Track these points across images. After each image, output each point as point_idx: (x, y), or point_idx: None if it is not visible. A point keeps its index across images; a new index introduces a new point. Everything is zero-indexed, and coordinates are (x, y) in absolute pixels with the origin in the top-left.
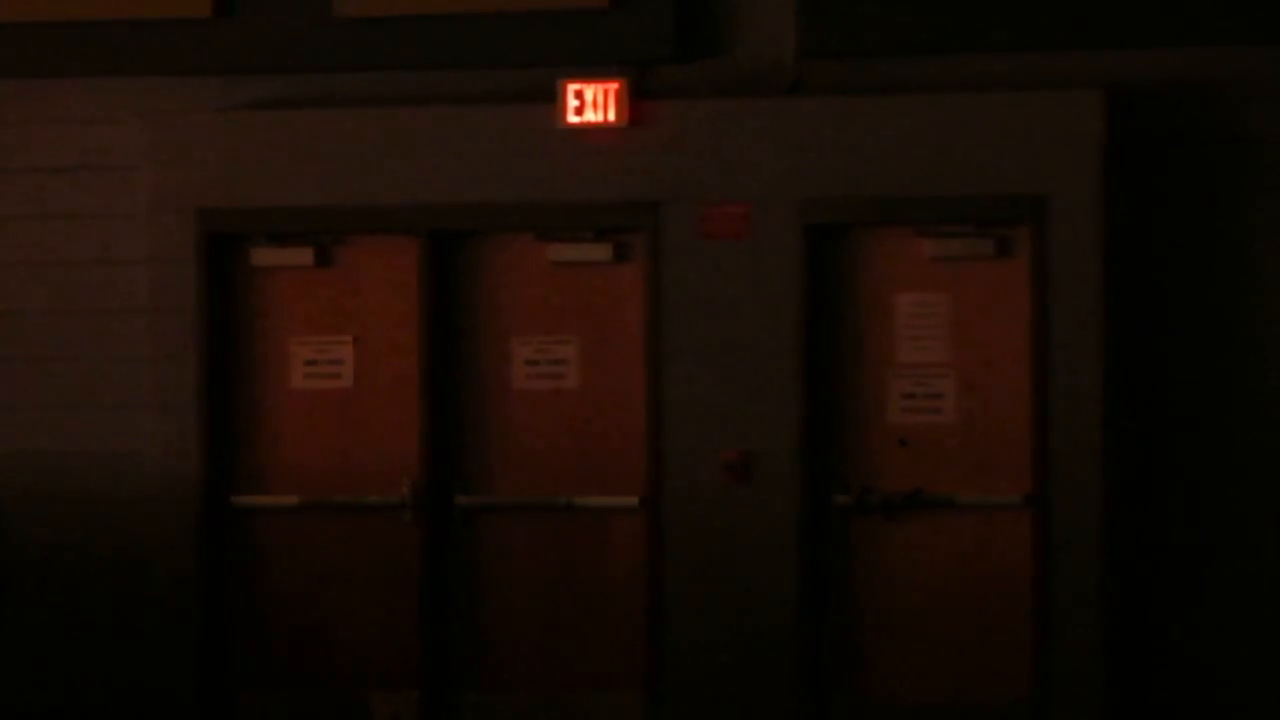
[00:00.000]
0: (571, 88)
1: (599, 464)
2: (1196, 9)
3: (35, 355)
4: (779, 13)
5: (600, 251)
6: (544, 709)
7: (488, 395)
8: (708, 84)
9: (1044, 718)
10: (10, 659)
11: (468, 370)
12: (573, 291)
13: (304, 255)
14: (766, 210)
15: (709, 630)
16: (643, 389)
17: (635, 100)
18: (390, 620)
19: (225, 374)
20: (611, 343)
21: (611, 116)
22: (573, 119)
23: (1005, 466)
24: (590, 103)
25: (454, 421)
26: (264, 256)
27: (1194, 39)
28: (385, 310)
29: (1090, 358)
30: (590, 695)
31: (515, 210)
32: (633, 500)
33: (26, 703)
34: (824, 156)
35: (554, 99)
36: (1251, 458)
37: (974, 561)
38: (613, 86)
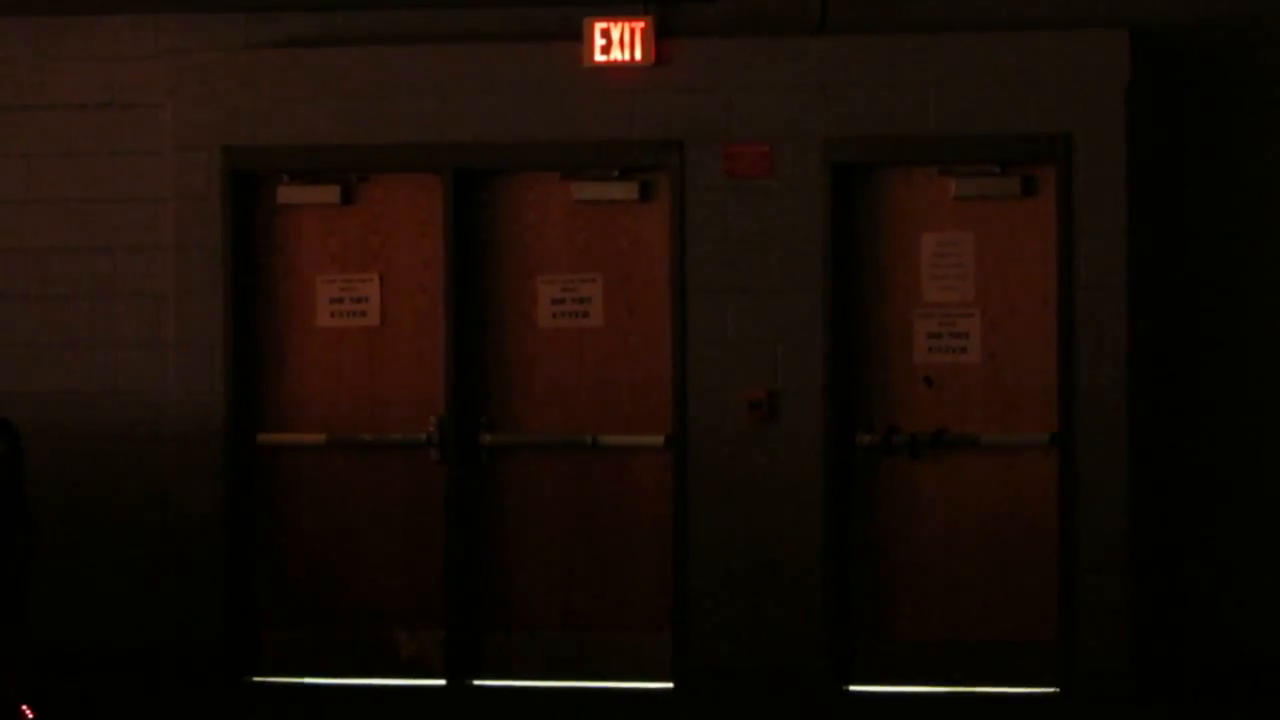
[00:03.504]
0: (598, 26)
1: (624, 403)
2: None
3: (60, 293)
4: None
5: (625, 190)
6: (569, 648)
7: (513, 334)
8: (733, 23)
9: (1070, 656)
10: (36, 598)
11: (493, 309)
12: (597, 230)
13: (329, 193)
14: (792, 149)
15: (734, 570)
16: (668, 328)
17: (661, 39)
18: (415, 559)
19: (250, 312)
20: (636, 281)
21: (638, 55)
22: (599, 57)
23: (1030, 406)
24: (616, 41)
25: (479, 360)
26: (289, 194)
27: None
28: (410, 248)
29: (1115, 296)
30: (615, 635)
31: (540, 148)
32: (658, 439)
33: (53, 641)
34: (849, 95)
35: (580, 37)
36: (1277, 387)
37: (999, 501)
38: (639, 25)
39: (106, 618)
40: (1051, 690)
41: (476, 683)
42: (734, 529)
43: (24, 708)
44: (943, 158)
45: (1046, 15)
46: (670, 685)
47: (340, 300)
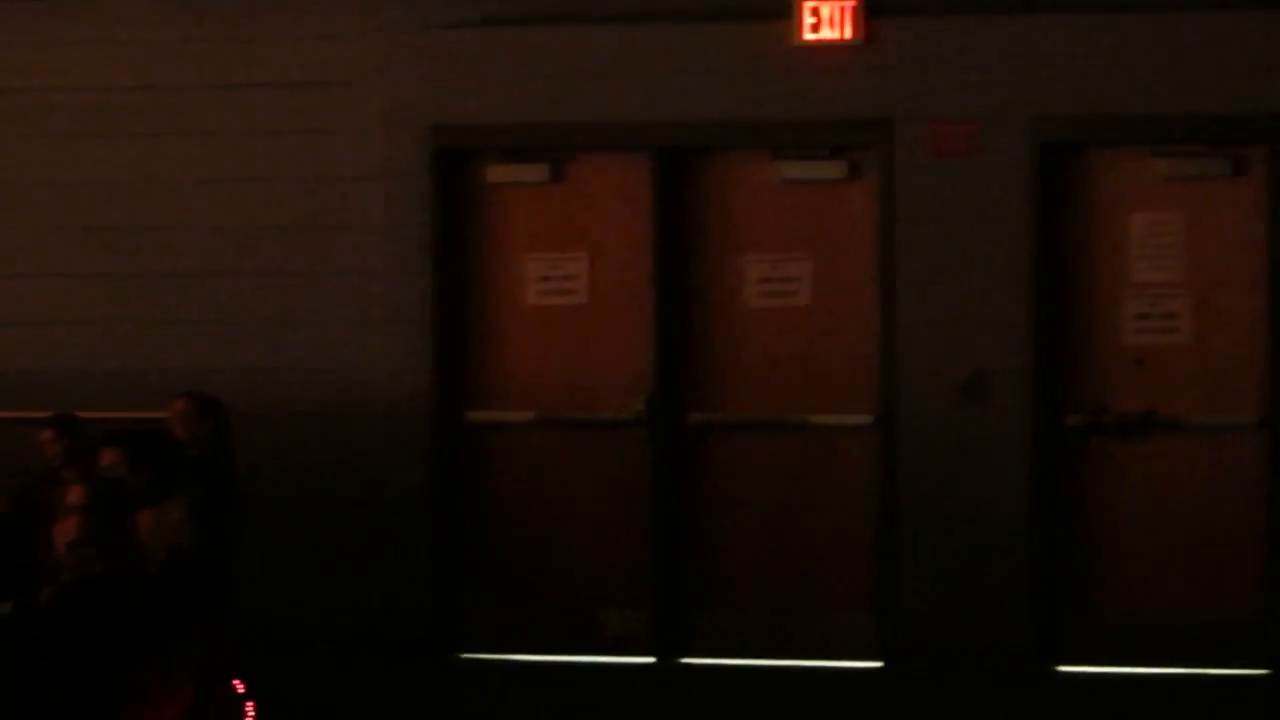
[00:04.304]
0: (808, 4)
1: (831, 382)
2: None
3: (267, 272)
4: None
5: (833, 169)
6: (776, 627)
7: (720, 313)
8: (942, 1)
9: (1275, 639)
10: (245, 576)
11: (700, 288)
12: (805, 209)
13: (539, 172)
14: (1000, 128)
15: (940, 550)
16: (875, 307)
17: (870, 17)
18: (622, 537)
19: (458, 290)
20: (844, 260)
21: (847, 33)
22: (808, 36)
23: (1240, 388)
24: (826, 19)
25: (687, 339)
26: (498, 173)
27: None
28: (618, 227)
29: None
30: (821, 614)
31: (748, 127)
32: (866, 418)
33: (262, 618)
34: (1057, 74)
35: (789, 15)
36: None
37: (1208, 482)
38: (849, 3)
39: (314, 595)
40: (1261, 672)
41: (684, 661)
42: (941, 509)
43: (235, 682)
44: (1152, 137)
45: None
46: (878, 664)
47: (548, 279)
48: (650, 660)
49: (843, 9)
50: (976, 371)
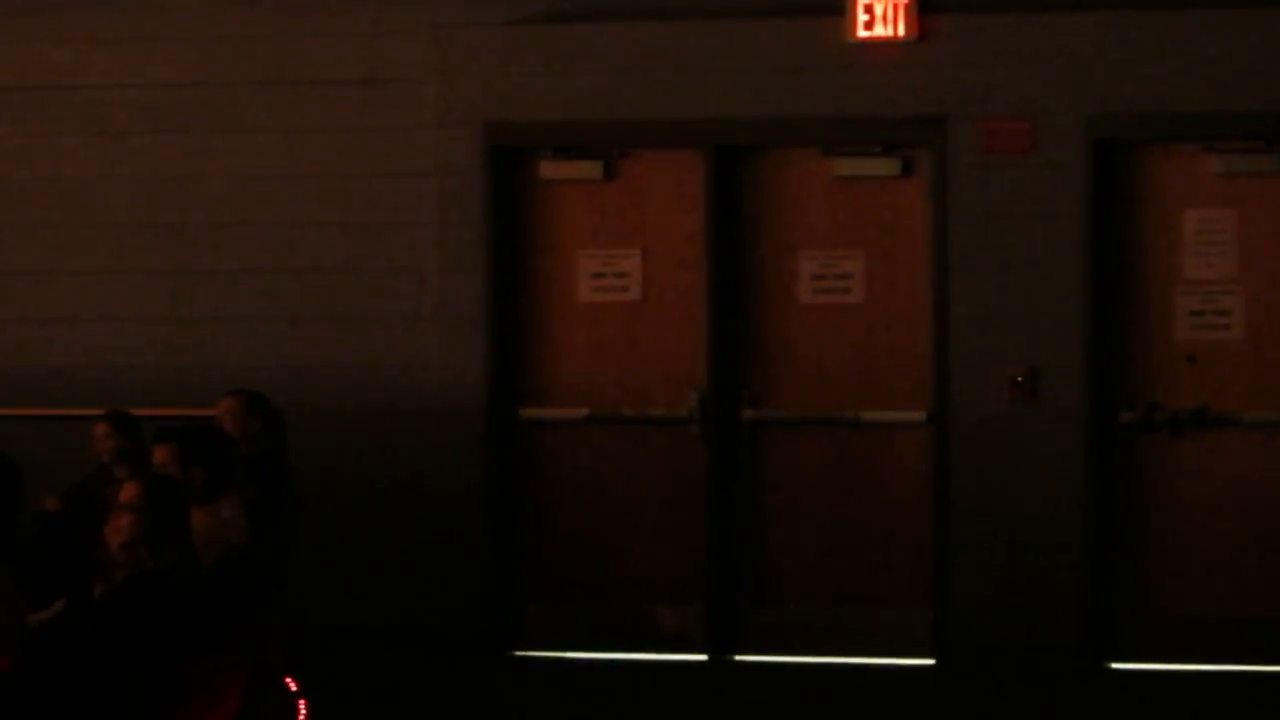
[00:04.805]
0: (861, 1)
1: (885, 379)
2: None
3: (321, 268)
4: None
5: (887, 166)
6: (829, 624)
7: (774, 309)
8: None
9: None
10: (300, 574)
11: (753, 284)
12: (858, 206)
13: (592, 169)
14: (1053, 125)
15: (994, 547)
16: (928, 304)
17: (923, 14)
18: (676, 533)
19: (511, 287)
20: (897, 257)
21: (900, 30)
22: (861, 33)
23: None
24: (879, 16)
25: (740, 335)
26: (551, 169)
27: None
28: (672, 223)
29: None
30: (874, 611)
31: (802, 124)
32: (919, 415)
33: (316, 615)
34: (1110, 71)
35: (842, 12)
36: None
37: (1262, 479)
38: (903, 1)
39: (369, 592)
40: None
41: (738, 658)
42: (995, 505)
43: (288, 680)
44: (1205, 134)
45: None
46: (931, 661)
47: (601, 275)
48: (704, 658)
49: (896, 5)
50: (1030, 368)
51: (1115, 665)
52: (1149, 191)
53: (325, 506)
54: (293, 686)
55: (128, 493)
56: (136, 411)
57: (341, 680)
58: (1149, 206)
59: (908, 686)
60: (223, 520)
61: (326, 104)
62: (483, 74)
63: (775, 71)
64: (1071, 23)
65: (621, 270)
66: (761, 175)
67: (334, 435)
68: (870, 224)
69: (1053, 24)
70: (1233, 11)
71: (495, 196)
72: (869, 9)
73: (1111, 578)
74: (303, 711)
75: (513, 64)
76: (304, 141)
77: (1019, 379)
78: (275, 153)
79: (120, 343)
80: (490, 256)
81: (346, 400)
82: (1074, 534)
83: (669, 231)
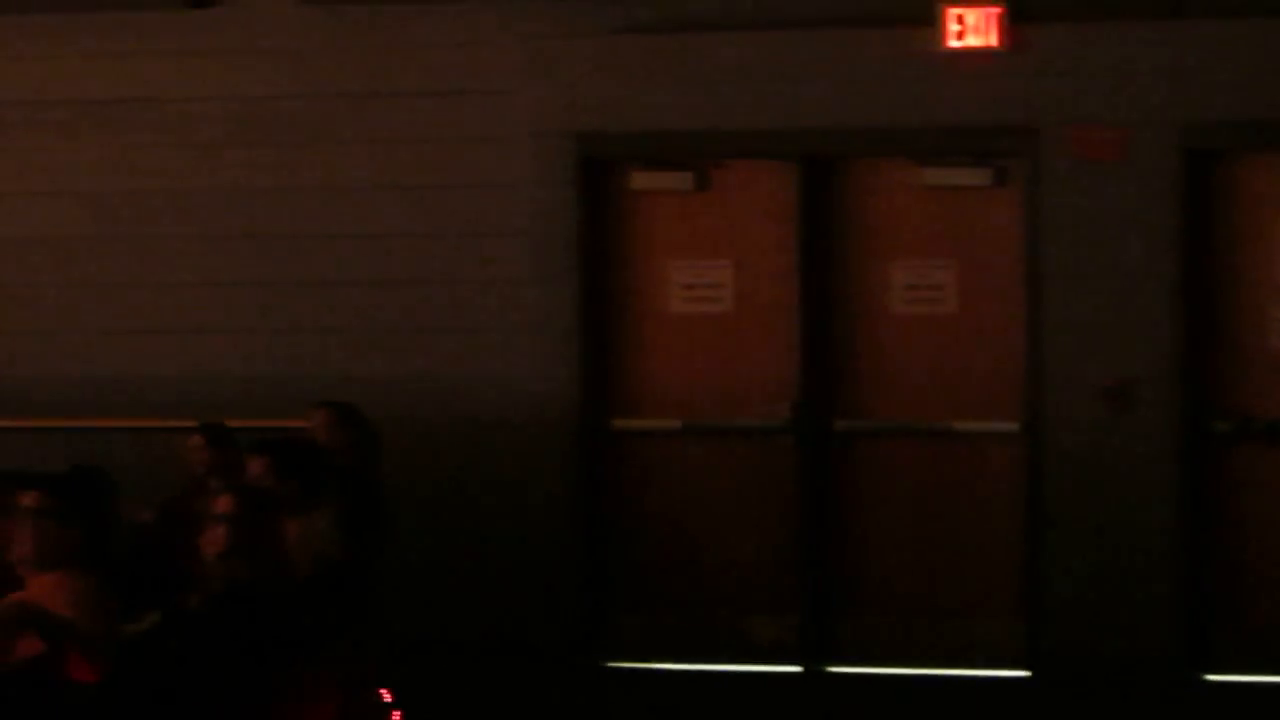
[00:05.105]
0: (953, 11)
1: (977, 389)
2: None
3: (412, 279)
4: None
5: (979, 176)
6: (922, 635)
7: (865, 319)
8: (1088, 7)
9: None
10: (393, 585)
11: (845, 294)
12: (950, 216)
13: (683, 179)
14: (1146, 134)
15: (1087, 558)
16: (1021, 314)
17: (1015, 23)
18: (768, 544)
19: (603, 297)
20: (989, 267)
21: (992, 40)
22: (953, 43)
23: None
24: (971, 26)
25: (832, 345)
26: (643, 180)
27: None
28: (762, 234)
29: None
30: (968, 622)
31: (893, 134)
32: (1013, 426)
33: (409, 627)
34: (1205, 79)
35: (934, 22)
36: None
37: None
38: (995, 11)
39: (460, 603)
40: None
41: (830, 669)
42: (1089, 516)
43: (382, 692)
44: None
45: None
46: (1026, 673)
47: (693, 286)
48: (797, 668)
49: (988, 15)
50: (1123, 378)
51: (1210, 677)
52: (1243, 200)
53: (418, 519)
54: (387, 698)
55: (222, 504)
56: (232, 423)
57: (435, 692)
58: (1243, 215)
59: (1001, 698)
60: (316, 532)
61: (418, 115)
62: (575, 85)
63: (867, 82)
64: (1164, 31)
65: (713, 281)
66: (853, 185)
67: (426, 447)
68: (962, 234)
69: (1145, 33)
70: None
71: (587, 207)
72: (961, 19)
73: (1206, 589)
74: None
75: (605, 75)
76: (396, 153)
77: (1112, 388)
78: (366, 164)
79: (215, 354)
80: (582, 267)
81: (438, 412)
82: (1168, 544)
83: (760, 242)
